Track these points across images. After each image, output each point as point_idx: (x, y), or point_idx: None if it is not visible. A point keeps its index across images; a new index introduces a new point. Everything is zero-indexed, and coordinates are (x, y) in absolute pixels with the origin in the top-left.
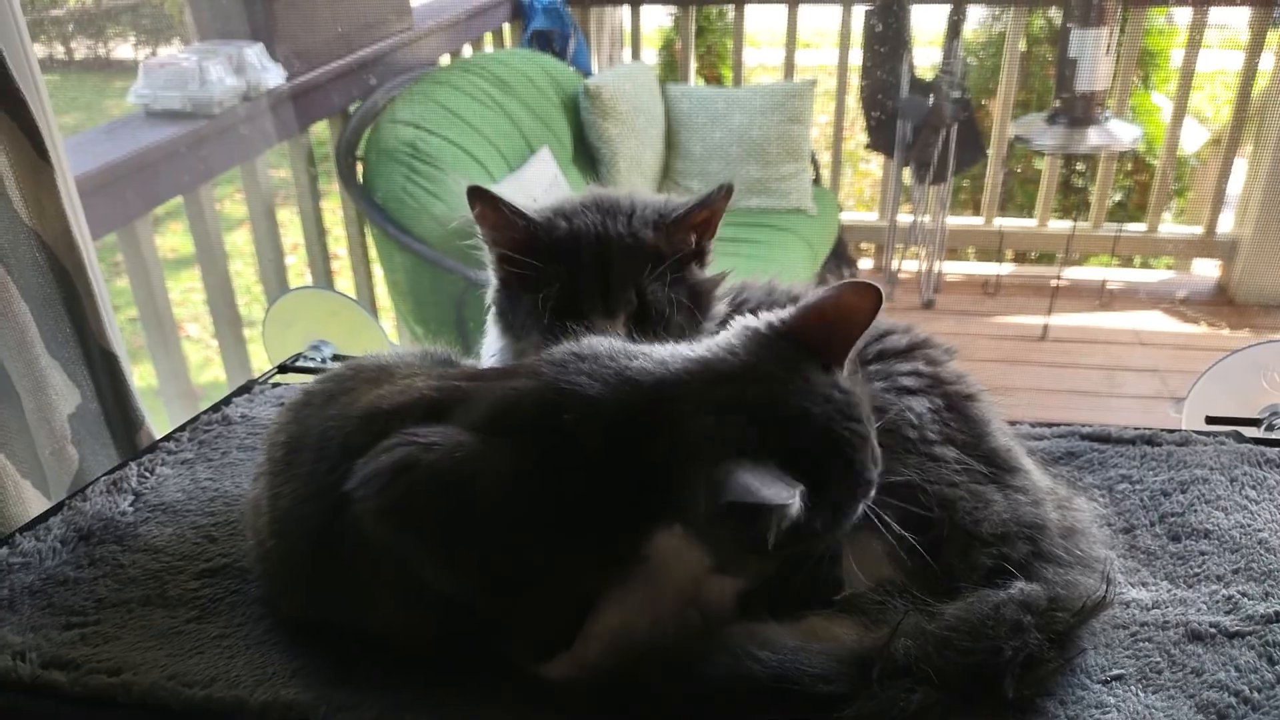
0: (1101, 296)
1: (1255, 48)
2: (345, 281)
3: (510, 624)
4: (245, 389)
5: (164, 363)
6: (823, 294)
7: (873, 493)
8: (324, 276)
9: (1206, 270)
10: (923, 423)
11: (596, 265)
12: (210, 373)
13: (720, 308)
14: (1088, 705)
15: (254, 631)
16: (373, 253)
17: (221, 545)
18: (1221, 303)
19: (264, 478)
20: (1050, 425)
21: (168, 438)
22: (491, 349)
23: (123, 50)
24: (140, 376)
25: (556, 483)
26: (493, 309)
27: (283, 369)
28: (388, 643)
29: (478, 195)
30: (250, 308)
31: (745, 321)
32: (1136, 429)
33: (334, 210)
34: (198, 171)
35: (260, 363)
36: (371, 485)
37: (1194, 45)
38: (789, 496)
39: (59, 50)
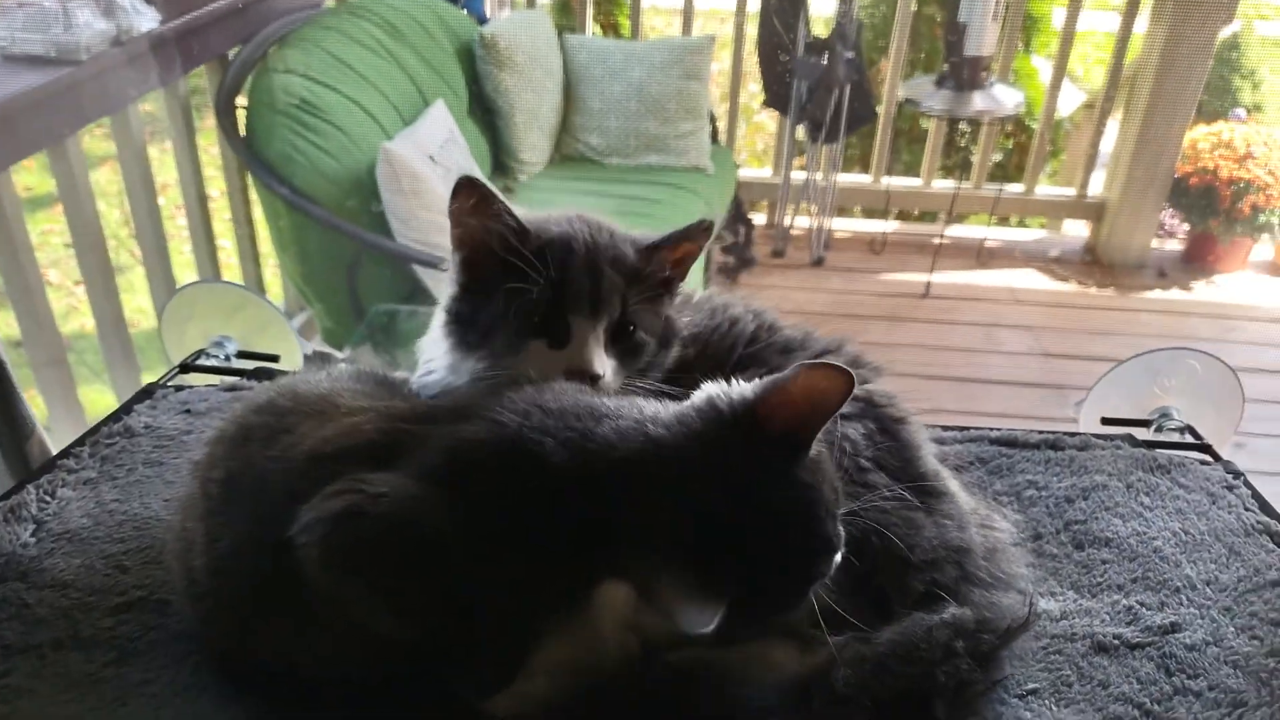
0: (980, 255)
1: (1130, 11)
2: (225, 231)
3: (452, 663)
4: (146, 394)
5: (25, 312)
6: (788, 376)
7: (825, 580)
8: (202, 226)
9: (1077, 231)
10: (857, 449)
11: (588, 268)
12: (75, 321)
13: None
14: None
15: (180, 675)
16: (257, 210)
17: (135, 575)
18: (1090, 262)
19: (197, 516)
20: (961, 429)
21: (66, 454)
22: (435, 362)
23: None
24: (2, 326)
25: (509, 540)
26: (444, 320)
27: (184, 368)
28: (327, 684)
29: (469, 187)
30: (118, 253)
31: (709, 394)
32: (1040, 433)
33: (210, 141)
34: (64, 122)
35: (133, 311)
36: (314, 531)
37: (1074, 6)
38: (703, 624)
39: None
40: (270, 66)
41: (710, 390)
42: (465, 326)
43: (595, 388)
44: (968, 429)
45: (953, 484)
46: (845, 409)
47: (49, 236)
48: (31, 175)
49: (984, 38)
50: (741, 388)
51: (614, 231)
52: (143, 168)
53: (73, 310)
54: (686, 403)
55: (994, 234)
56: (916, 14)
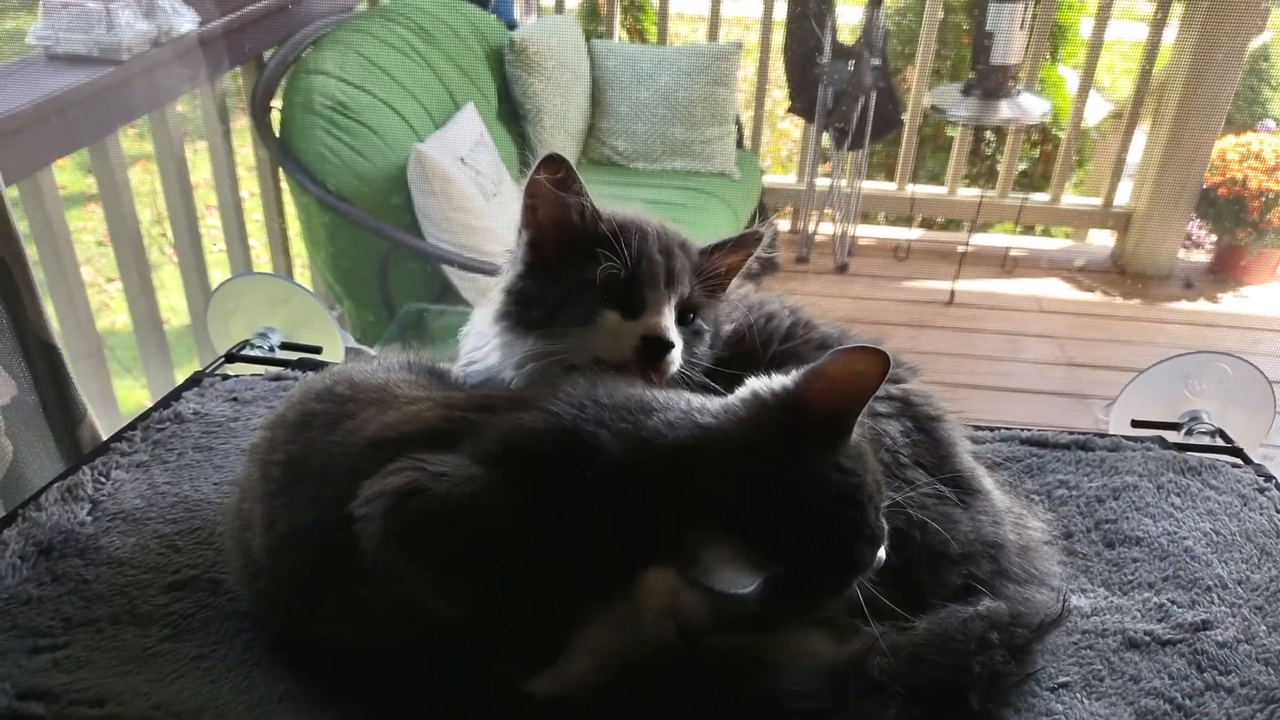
0: (1005, 263)
1: (1159, 21)
2: (255, 231)
3: (497, 643)
4: (194, 381)
5: (64, 307)
6: (826, 360)
7: (869, 572)
8: (236, 223)
9: (1102, 240)
10: (896, 446)
11: (660, 248)
12: (106, 318)
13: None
14: (1039, 713)
15: (232, 650)
16: (290, 209)
17: (187, 555)
18: (1115, 272)
19: (256, 497)
20: (992, 429)
21: (119, 438)
22: (479, 351)
23: None
24: None
25: (561, 524)
26: (503, 301)
27: (230, 358)
28: (375, 662)
29: (557, 160)
30: (152, 251)
31: (754, 387)
32: (1071, 433)
33: (243, 141)
34: (106, 120)
35: (166, 310)
36: (376, 505)
37: (1103, 15)
38: (743, 585)
39: None
40: (305, 68)
41: (754, 383)
42: (528, 305)
43: (662, 364)
44: (998, 429)
45: (988, 482)
46: (883, 408)
47: (81, 234)
48: (65, 173)
49: (1011, 45)
50: (783, 377)
51: (677, 232)
52: (179, 166)
53: (104, 307)
54: (732, 395)
55: (1019, 243)
56: (943, 22)
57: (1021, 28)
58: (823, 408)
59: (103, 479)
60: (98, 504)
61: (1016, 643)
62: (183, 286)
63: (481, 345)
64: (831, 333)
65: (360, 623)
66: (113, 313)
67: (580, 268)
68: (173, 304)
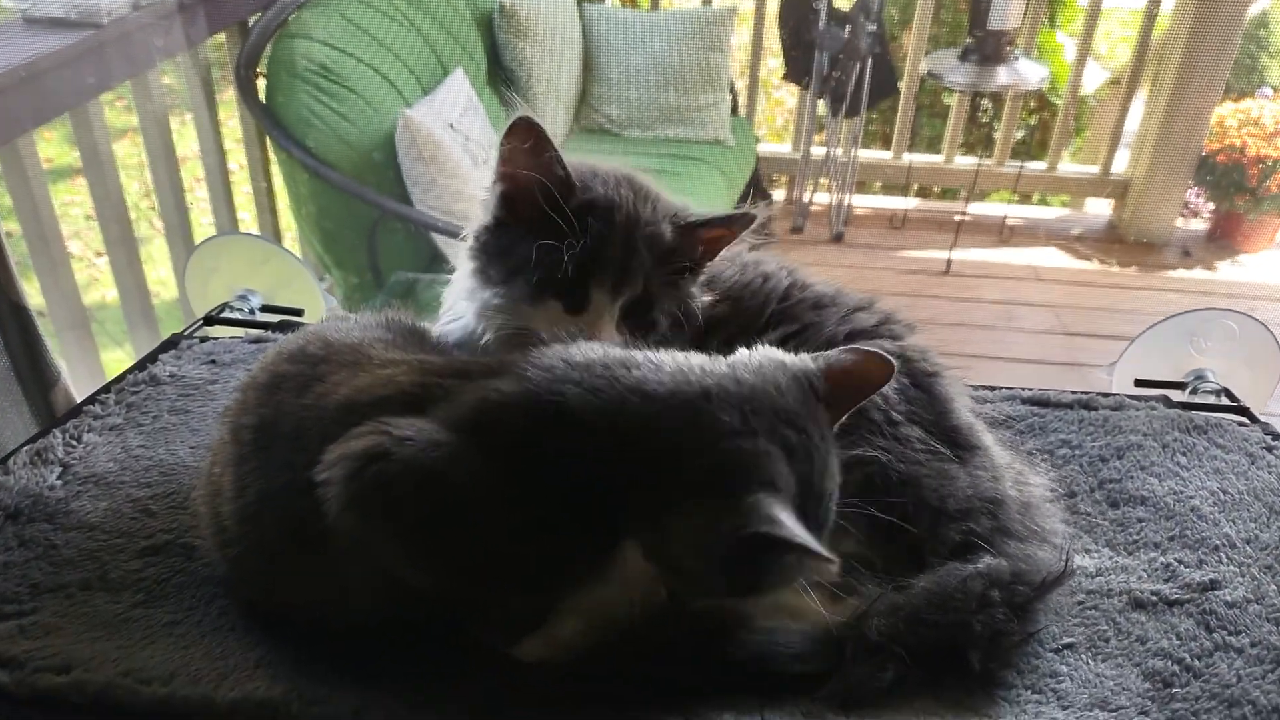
0: (1002, 232)
1: None
2: (244, 203)
3: (477, 609)
4: (170, 344)
5: (50, 281)
6: (847, 356)
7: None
8: (224, 201)
9: (1100, 209)
10: (889, 404)
11: (623, 240)
12: (96, 291)
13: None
14: (1043, 674)
15: (207, 616)
16: (277, 177)
17: (162, 520)
18: (1112, 240)
19: (226, 462)
20: (992, 389)
21: (92, 400)
22: (457, 308)
23: None
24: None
25: (534, 492)
26: (470, 246)
27: (209, 320)
28: (355, 629)
29: (526, 127)
30: (139, 225)
31: (771, 353)
32: (1074, 393)
33: (229, 112)
34: (86, 86)
35: (155, 283)
36: (337, 469)
37: None
38: (820, 546)
39: None
40: (289, 32)
41: (766, 350)
42: (490, 259)
43: None
44: (999, 388)
45: (987, 438)
46: None
47: (69, 208)
48: (52, 146)
49: (1009, 11)
50: (804, 358)
51: (657, 203)
52: (164, 137)
53: (93, 281)
54: (738, 356)
55: (1016, 211)
56: None
57: None
58: (830, 396)
59: (74, 442)
60: (68, 467)
61: (1018, 601)
62: (170, 258)
63: (458, 303)
64: (827, 292)
65: (334, 592)
66: (102, 286)
67: (543, 236)
68: (161, 277)
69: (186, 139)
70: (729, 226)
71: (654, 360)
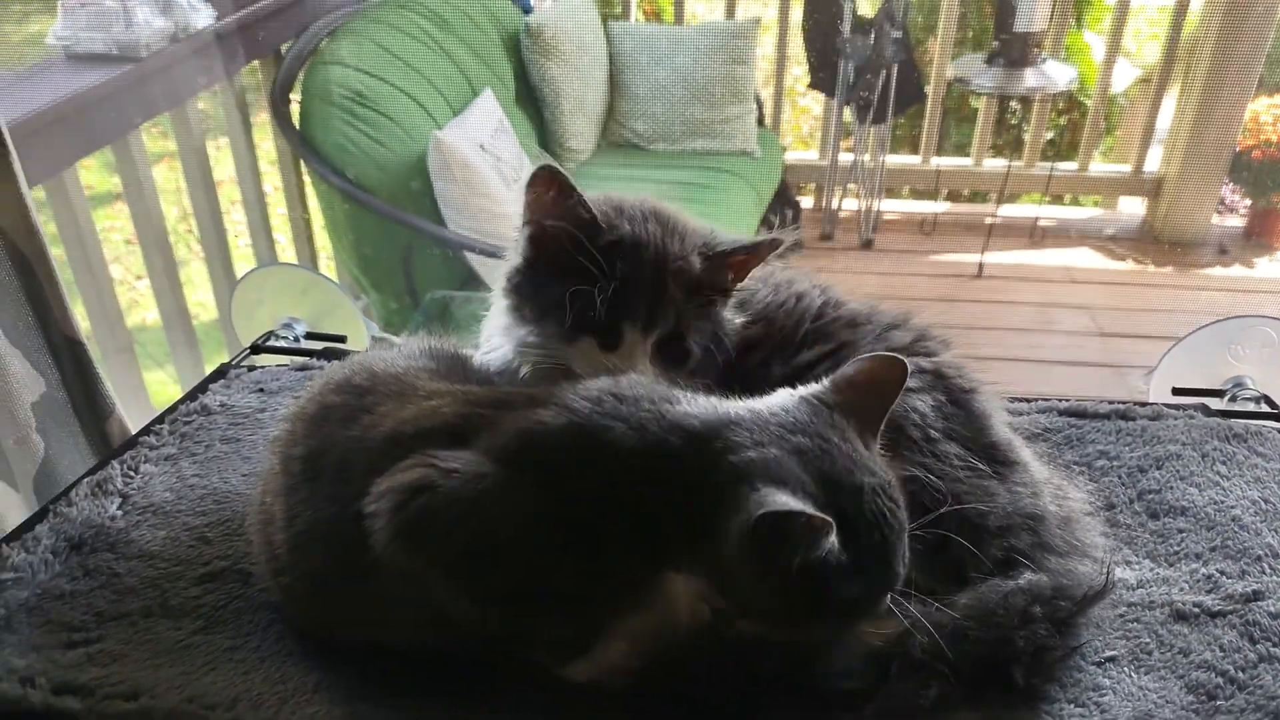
0: (1034, 234)
1: None
2: (279, 225)
3: (527, 634)
4: (219, 374)
5: (95, 305)
6: (852, 367)
7: (897, 586)
8: (260, 215)
9: (1133, 208)
10: (926, 421)
11: (653, 279)
12: (137, 315)
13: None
14: (1085, 688)
15: (265, 641)
16: (312, 201)
17: (218, 547)
18: (1147, 240)
19: (276, 492)
20: (1029, 400)
21: (147, 431)
22: (495, 339)
23: None
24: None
25: (579, 522)
26: (503, 286)
27: (255, 349)
28: (407, 653)
29: (548, 177)
30: (178, 248)
31: (792, 391)
32: (1111, 403)
33: (264, 136)
34: (127, 118)
35: (195, 305)
36: (384, 502)
37: None
38: (820, 514)
39: None
40: (322, 59)
41: (787, 391)
42: (523, 299)
43: None
44: (1035, 399)
45: (1025, 453)
46: (914, 382)
47: (109, 233)
48: (92, 173)
49: (1035, 13)
50: (813, 387)
51: (685, 234)
52: (202, 163)
53: (134, 304)
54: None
55: (1047, 213)
56: None
57: None
58: (852, 413)
59: (132, 473)
60: (127, 498)
61: (1060, 616)
62: (210, 281)
63: (495, 333)
64: (861, 310)
65: (384, 619)
66: (143, 309)
67: (573, 279)
68: (200, 300)
69: (223, 163)
70: (756, 252)
71: (689, 398)
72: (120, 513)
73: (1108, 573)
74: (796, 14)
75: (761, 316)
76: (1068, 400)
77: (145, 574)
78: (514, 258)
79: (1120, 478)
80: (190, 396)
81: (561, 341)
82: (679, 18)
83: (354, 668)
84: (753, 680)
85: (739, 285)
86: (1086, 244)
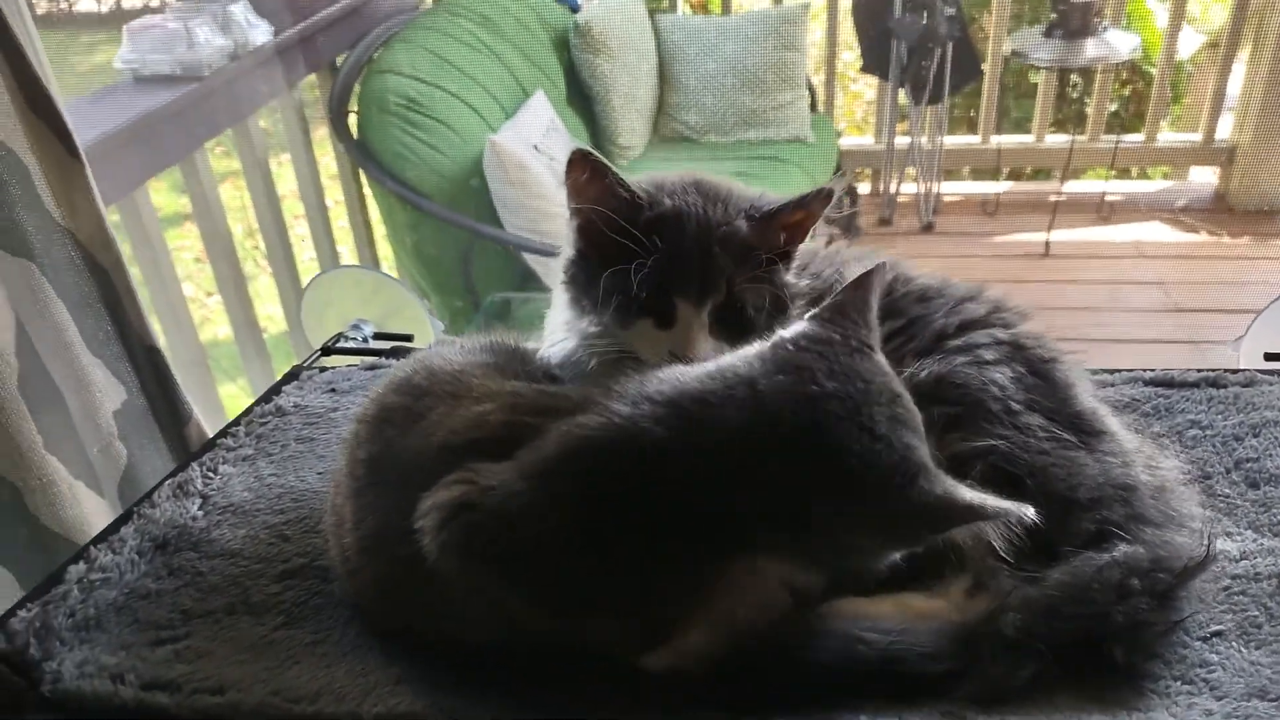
0: (1101, 209)
1: None
2: (341, 236)
3: (598, 629)
4: (292, 375)
5: (170, 322)
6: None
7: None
8: (323, 227)
9: (1204, 178)
10: (1006, 393)
11: (698, 249)
12: (209, 330)
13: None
14: (1192, 664)
15: (346, 636)
16: (372, 209)
17: (296, 544)
18: (1221, 210)
19: (345, 494)
20: (1112, 371)
21: (224, 434)
22: (558, 332)
23: (87, 2)
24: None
25: (628, 527)
26: (561, 280)
27: (326, 351)
28: (482, 649)
29: (581, 161)
30: (246, 263)
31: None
32: (1199, 371)
33: (324, 150)
34: (193, 135)
35: (264, 319)
36: (429, 520)
37: None
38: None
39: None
40: (377, 69)
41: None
42: (580, 290)
43: None
44: (1119, 370)
45: (1112, 422)
46: (990, 354)
47: (180, 252)
48: (161, 195)
49: None
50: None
51: (729, 200)
52: (265, 176)
53: (206, 320)
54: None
55: (1114, 187)
56: None
57: None
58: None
59: (211, 474)
60: (207, 498)
61: (1159, 589)
62: (278, 294)
63: (559, 327)
64: (931, 284)
65: (456, 620)
66: (214, 324)
67: (620, 260)
68: (269, 313)
69: (285, 179)
70: (807, 207)
71: (711, 370)
72: (201, 513)
73: (1208, 543)
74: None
75: (825, 296)
76: (1153, 370)
77: (227, 572)
78: (567, 249)
79: (1214, 447)
80: (265, 399)
81: (619, 327)
82: (726, 7)
83: (435, 660)
84: (835, 665)
85: (797, 246)
86: (1157, 217)
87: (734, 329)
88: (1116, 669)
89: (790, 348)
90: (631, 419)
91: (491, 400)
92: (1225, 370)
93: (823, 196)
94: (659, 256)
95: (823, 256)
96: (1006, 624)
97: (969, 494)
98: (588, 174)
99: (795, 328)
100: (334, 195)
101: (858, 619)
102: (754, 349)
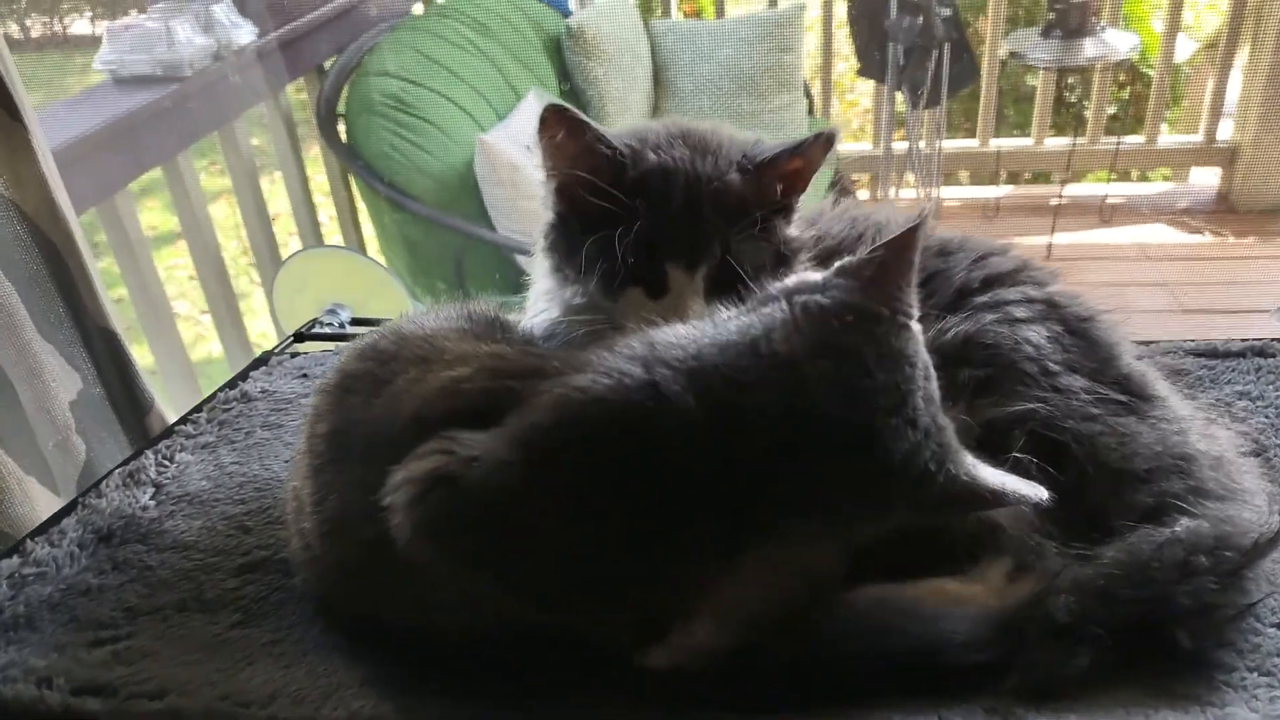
0: (1102, 212)
1: None
2: (336, 240)
3: (587, 621)
4: (261, 361)
5: (159, 342)
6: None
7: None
8: (314, 239)
9: (1205, 179)
10: (1042, 353)
11: (688, 209)
12: (203, 349)
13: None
14: (1267, 653)
15: (308, 634)
16: (363, 213)
17: (258, 536)
18: (1224, 210)
19: (305, 473)
20: (1149, 343)
21: (184, 420)
22: (539, 292)
23: (80, 26)
24: (137, 357)
25: (632, 499)
26: (542, 246)
27: (299, 337)
28: (460, 643)
29: (557, 115)
30: (239, 280)
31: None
32: (1244, 340)
33: (317, 169)
34: (175, 138)
35: (258, 335)
36: (400, 495)
37: None
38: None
39: (13, 29)
40: (365, 71)
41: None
42: (562, 257)
43: None
44: (1156, 342)
45: (1161, 386)
46: (1022, 312)
47: (174, 271)
48: (153, 214)
49: None
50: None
51: (720, 150)
52: (255, 193)
53: (199, 339)
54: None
55: (1115, 190)
56: None
57: None
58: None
59: (167, 462)
60: (161, 487)
61: (1226, 568)
62: (270, 312)
63: (540, 297)
64: (952, 238)
65: (427, 610)
66: (208, 342)
67: (605, 225)
68: (263, 330)
69: (278, 196)
70: (805, 154)
71: (734, 337)
72: (153, 503)
73: (1277, 518)
74: (840, 8)
75: (836, 253)
76: (1193, 341)
77: (179, 566)
78: (546, 213)
79: (1268, 418)
80: (230, 384)
81: (606, 298)
82: (720, 10)
83: (404, 658)
84: (865, 657)
85: (797, 198)
86: (1159, 219)
87: (732, 294)
88: (1182, 658)
89: (835, 323)
90: (650, 385)
91: (468, 364)
92: (1273, 339)
93: (822, 141)
94: (646, 219)
95: (831, 215)
96: (1057, 608)
97: (992, 479)
98: (564, 132)
99: (830, 289)
100: (328, 212)
101: (887, 606)
102: (778, 311)
